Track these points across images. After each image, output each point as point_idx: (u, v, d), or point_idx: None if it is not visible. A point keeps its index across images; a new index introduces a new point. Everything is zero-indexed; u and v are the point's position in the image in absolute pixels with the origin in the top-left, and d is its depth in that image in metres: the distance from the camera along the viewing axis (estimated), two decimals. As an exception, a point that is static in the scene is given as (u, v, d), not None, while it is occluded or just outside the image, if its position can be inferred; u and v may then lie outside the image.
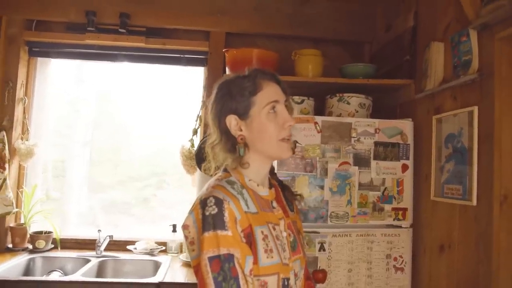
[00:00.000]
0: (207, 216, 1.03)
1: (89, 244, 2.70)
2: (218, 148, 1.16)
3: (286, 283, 1.13)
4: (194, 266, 1.09)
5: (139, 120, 3.24)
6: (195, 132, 2.71)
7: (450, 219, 1.90)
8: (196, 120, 2.74)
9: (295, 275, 1.18)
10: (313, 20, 2.82)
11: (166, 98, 3.10)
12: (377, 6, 2.83)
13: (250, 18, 2.76)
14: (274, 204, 1.21)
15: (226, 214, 1.04)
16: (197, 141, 2.69)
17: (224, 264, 1.01)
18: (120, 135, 3.36)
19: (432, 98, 2.09)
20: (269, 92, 1.15)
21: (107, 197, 3.26)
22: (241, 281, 1.01)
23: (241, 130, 1.15)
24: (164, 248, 2.75)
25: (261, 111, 1.14)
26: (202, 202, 1.06)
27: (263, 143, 1.15)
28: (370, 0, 2.81)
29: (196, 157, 2.34)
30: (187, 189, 2.98)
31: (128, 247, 2.71)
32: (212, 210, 1.04)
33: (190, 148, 2.64)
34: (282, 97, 1.18)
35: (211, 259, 1.01)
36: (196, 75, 2.92)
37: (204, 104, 2.73)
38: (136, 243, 2.73)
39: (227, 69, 2.45)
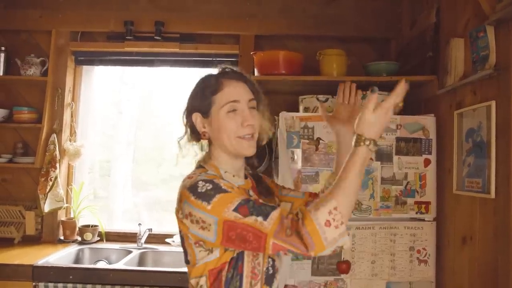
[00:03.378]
0: (203, 192, 1.08)
1: (131, 237, 2.93)
2: (188, 143, 1.28)
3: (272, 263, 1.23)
4: (222, 238, 1.08)
5: (179, 120, 3.43)
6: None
7: (471, 212, 1.94)
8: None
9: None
10: (338, 19, 2.88)
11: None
12: (402, 2, 2.86)
13: (277, 21, 2.87)
14: (251, 192, 1.29)
15: (222, 183, 1.10)
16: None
17: (248, 204, 1.06)
18: (162, 135, 3.56)
19: (454, 94, 2.12)
20: (230, 92, 1.20)
21: (151, 195, 3.48)
22: (269, 207, 1.07)
23: (204, 127, 1.24)
24: (200, 241, 2.92)
25: (220, 111, 1.19)
26: (191, 188, 1.10)
27: (223, 140, 1.20)
28: (396, -3, 2.84)
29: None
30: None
31: (167, 240, 2.91)
32: (205, 187, 1.09)
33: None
34: (247, 96, 1.22)
35: (235, 210, 1.04)
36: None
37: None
38: (174, 236, 2.92)
39: (255, 70, 2.58)
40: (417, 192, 2.19)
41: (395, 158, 2.20)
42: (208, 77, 1.26)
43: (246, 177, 1.32)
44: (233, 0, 2.88)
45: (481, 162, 1.85)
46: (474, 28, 1.92)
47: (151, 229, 2.88)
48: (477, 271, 1.89)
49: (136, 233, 2.87)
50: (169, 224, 3.24)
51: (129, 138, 3.43)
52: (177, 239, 2.88)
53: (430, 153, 2.21)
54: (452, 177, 2.09)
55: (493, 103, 1.78)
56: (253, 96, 1.25)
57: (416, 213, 2.18)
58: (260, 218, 1.03)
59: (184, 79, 3.25)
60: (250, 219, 1.03)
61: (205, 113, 1.23)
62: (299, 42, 2.91)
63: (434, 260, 2.18)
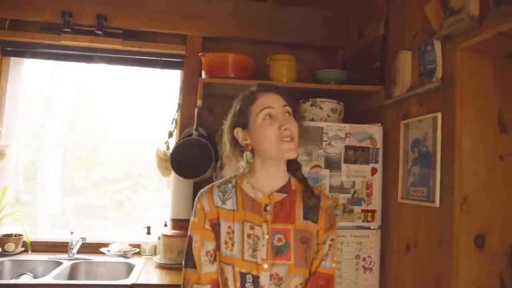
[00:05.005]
0: (194, 205, 1.34)
1: (61, 247, 2.68)
2: (232, 157, 1.35)
3: (253, 280, 1.24)
4: None
5: (115, 121, 3.24)
6: (170, 134, 2.73)
7: (415, 220, 1.98)
8: (172, 123, 2.76)
9: (275, 278, 1.24)
10: (289, 26, 2.88)
11: (143, 100, 3.11)
12: (351, 13, 2.92)
13: (227, 23, 2.80)
14: (268, 208, 1.29)
15: (198, 205, 1.32)
16: (172, 143, 2.71)
17: (190, 242, 1.31)
18: (95, 136, 3.34)
19: (400, 104, 2.17)
20: (263, 101, 1.28)
21: (81, 200, 3.24)
22: (196, 258, 1.28)
23: (246, 139, 1.31)
24: (138, 250, 2.75)
25: (257, 119, 1.26)
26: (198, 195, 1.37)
27: (264, 146, 1.27)
28: (345, 8, 2.89)
29: (171, 159, 2.36)
30: (162, 192, 2.99)
31: (102, 249, 2.70)
32: (195, 203, 1.34)
33: (166, 151, 2.66)
34: (280, 103, 1.28)
35: (187, 237, 1.33)
36: (172, 77, 2.95)
37: (180, 107, 2.75)
38: (109, 246, 2.73)
39: (203, 73, 2.48)
40: (364, 200, 2.21)
41: (344, 166, 2.21)
42: (244, 94, 1.35)
43: (286, 192, 1.32)
44: (182, -2, 2.77)
45: (426, 171, 1.91)
46: (421, 42, 1.99)
47: (85, 238, 2.66)
48: (420, 278, 1.94)
49: (66, 243, 2.63)
50: (102, 232, 3.04)
51: (59, 138, 3.18)
52: (113, 248, 2.69)
53: (377, 162, 2.25)
54: (397, 186, 2.14)
55: (439, 115, 1.84)
56: (286, 102, 1.30)
57: (363, 221, 2.20)
58: (183, 262, 1.33)
59: (125, 78, 3.07)
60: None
61: (245, 126, 1.30)
62: (248, 46, 2.86)
63: (378, 268, 2.21)
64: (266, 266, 1.25)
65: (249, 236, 1.25)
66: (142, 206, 3.25)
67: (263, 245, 1.25)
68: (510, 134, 1.77)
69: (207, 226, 1.29)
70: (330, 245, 1.33)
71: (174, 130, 2.75)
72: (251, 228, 1.26)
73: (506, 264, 1.72)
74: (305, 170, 2.15)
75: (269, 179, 1.31)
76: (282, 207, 1.30)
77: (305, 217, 1.31)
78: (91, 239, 2.73)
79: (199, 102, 2.39)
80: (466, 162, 1.72)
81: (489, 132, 1.75)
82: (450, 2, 1.76)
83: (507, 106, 1.77)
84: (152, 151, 2.73)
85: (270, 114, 1.26)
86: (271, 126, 1.24)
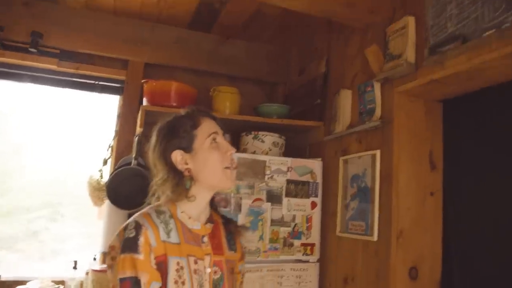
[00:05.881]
0: (126, 238, 1.11)
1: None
2: (167, 184, 1.21)
3: None
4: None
5: (36, 145, 3.02)
6: (105, 162, 2.59)
7: (353, 253, 2.04)
8: (108, 150, 2.62)
9: None
10: (231, 58, 2.92)
11: (73, 123, 2.95)
12: (292, 50, 3.03)
13: (171, 51, 2.77)
14: (205, 239, 1.25)
15: (142, 239, 1.11)
16: (106, 171, 2.57)
17: (132, 286, 1.08)
18: (9, 161, 3.08)
19: (340, 140, 2.26)
20: (208, 126, 1.26)
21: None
22: None
23: (186, 163, 1.22)
24: (62, 287, 2.52)
25: (204, 143, 1.23)
26: (126, 226, 1.15)
27: (208, 172, 1.22)
28: (287, 44, 3.00)
29: (107, 188, 2.24)
30: (85, 221, 2.81)
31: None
32: (130, 233, 1.12)
33: (99, 179, 2.51)
34: (219, 129, 1.29)
35: (122, 280, 1.09)
36: (109, 103, 2.83)
37: (117, 134, 2.64)
38: (28, 283, 2.46)
39: (144, 100, 2.42)
40: (304, 234, 2.24)
41: (285, 200, 2.23)
42: (178, 117, 1.28)
43: (211, 222, 1.29)
44: (125, 22, 2.69)
45: (365, 206, 1.98)
46: (361, 82, 2.11)
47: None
48: (358, 312, 1.98)
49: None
50: (17, 267, 2.75)
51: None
52: (32, 286, 2.44)
53: (316, 196, 2.30)
54: (336, 219, 2.19)
55: (378, 152, 1.94)
56: (222, 130, 1.31)
57: (302, 254, 2.22)
58: None
59: (52, 99, 2.88)
60: None
61: (187, 148, 1.23)
62: (190, 76, 2.84)
63: (316, 302, 2.23)
64: None
65: (195, 271, 1.18)
66: (61, 237, 3.02)
67: (205, 279, 1.20)
68: (439, 172, 1.91)
69: (153, 264, 1.12)
70: (243, 274, 1.38)
71: (109, 157, 2.62)
72: (195, 262, 1.19)
73: (437, 296, 1.82)
74: (247, 203, 2.15)
75: (202, 209, 1.27)
76: (213, 238, 1.28)
77: (229, 247, 1.32)
78: (5, 276, 2.45)
79: (139, 130, 2.30)
80: (402, 198, 1.82)
81: (422, 169, 1.88)
82: (389, 48, 1.90)
83: (437, 146, 1.92)
84: (79, 178, 2.56)
85: (216, 139, 1.25)
86: (217, 150, 1.23)
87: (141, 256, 1.10)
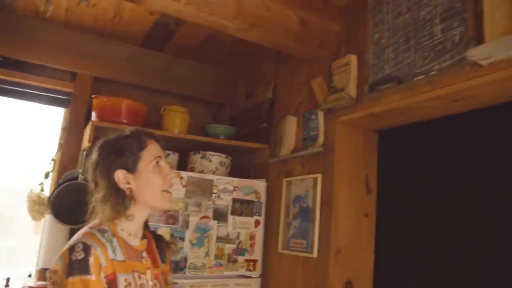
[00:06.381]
0: (73, 261, 1.10)
1: None
2: (108, 202, 1.22)
3: None
4: None
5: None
6: (47, 175, 2.52)
7: (294, 269, 2.17)
8: (50, 163, 2.56)
9: None
10: (181, 78, 2.99)
11: (8, 134, 2.83)
12: (240, 74, 3.17)
13: (121, 67, 2.79)
14: (144, 254, 1.30)
15: (92, 259, 1.12)
16: (48, 185, 2.51)
17: None
18: None
19: (284, 163, 2.41)
20: (153, 149, 1.30)
21: None
22: None
23: (129, 183, 1.25)
24: (-10, 306, 2.39)
25: (148, 165, 1.26)
26: (70, 248, 1.13)
27: (149, 194, 1.26)
28: (235, 68, 3.13)
29: (51, 203, 2.18)
30: (13, 237, 2.69)
31: None
32: (78, 255, 1.11)
33: (40, 193, 2.44)
34: (162, 153, 1.33)
35: None
36: (53, 115, 2.77)
37: (61, 147, 2.59)
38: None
39: (93, 114, 2.41)
40: (247, 250, 2.34)
41: (230, 218, 2.32)
42: (124, 137, 1.29)
43: (145, 237, 1.33)
44: (75, 35, 2.67)
45: (306, 225, 2.14)
46: (306, 110, 2.29)
47: None
48: (297, 325, 2.10)
49: None
50: None
51: None
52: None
53: (260, 214, 2.42)
54: (278, 237, 2.32)
55: (319, 176, 2.11)
56: (164, 152, 1.35)
57: (246, 270, 2.31)
58: None
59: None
60: None
61: (131, 169, 1.25)
62: (139, 93, 2.87)
63: (257, 316, 2.32)
64: None
65: (141, 286, 1.23)
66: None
67: None
68: (373, 195, 2.12)
69: (104, 283, 1.13)
70: (173, 285, 1.45)
71: (51, 171, 2.56)
72: (139, 277, 1.24)
73: (369, 309, 2.00)
74: (195, 220, 2.21)
75: (140, 226, 1.31)
76: (149, 252, 1.34)
77: (161, 260, 1.39)
78: None
79: (87, 145, 2.29)
80: (341, 218, 2.00)
81: (358, 193, 2.08)
82: (333, 81, 2.09)
83: (372, 171, 2.13)
84: (9, 190, 2.48)
85: (159, 163, 1.29)
86: (159, 174, 1.27)
87: (93, 277, 1.10)
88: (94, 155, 1.28)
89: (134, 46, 2.83)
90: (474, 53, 1.39)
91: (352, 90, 1.97)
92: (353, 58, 2.02)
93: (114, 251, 1.19)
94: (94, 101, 2.43)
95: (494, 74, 1.40)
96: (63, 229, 2.33)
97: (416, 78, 1.65)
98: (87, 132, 2.33)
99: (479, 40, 1.44)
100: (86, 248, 1.12)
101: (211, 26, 2.01)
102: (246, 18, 1.92)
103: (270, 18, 1.99)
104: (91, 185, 1.27)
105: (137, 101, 2.51)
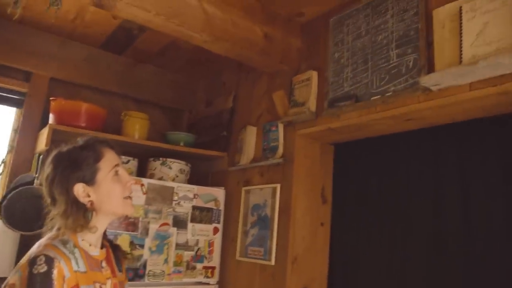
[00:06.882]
0: (35, 274, 1.07)
1: None
2: (69, 217, 1.19)
3: None
4: None
5: None
6: (-4, 178, 2.42)
7: (251, 276, 2.24)
8: (0, 165, 2.46)
9: None
10: (140, 83, 2.97)
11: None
12: (200, 82, 3.20)
13: (80, 69, 2.72)
14: (103, 264, 1.29)
15: (55, 272, 1.09)
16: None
17: None
18: None
19: (243, 172, 2.47)
20: (110, 158, 1.28)
21: None
22: None
23: (89, 196, 1.22)
24: None
25: (107, 175, 1.25)
26: (31, 261, 1.09)
27: (111, 203, 1.25)
28: (195, 76, 3.15)
29: (3, 208, 2.10)
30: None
31: None
32: (41, 268, 1.08)
33: (-12, 196, 2.33)
34: (119, 160, 1.32)
35: None
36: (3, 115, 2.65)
37: (13, 149, 2.49)
38: None
39: (51, 117, 2.34)
40: (206, 257, 2.38)
41: (190, 225, 2.35)
42: (78, 148, 1.26)
43: (103, 247, 1.31)
44: (32, 33, 2.58)
45: (264, 233, 2.21)
46: (267, 121, 2.37)
47: None
48: (253, 330, 2.16)
49: None
50: None
51: None
52: None
53: (219, 222, 2.46)
54: (236, 245, 2.38)
55: (278, 186, 2.19)
56: (120, 159, 1.33)
57: (204, 277, 2.35)
58: None
59: None
60: None
61: (90, 181, 1.22)
62: (96, 95, 2.82)
63: (213, 323, 2.36)
64: None
65: None
66: None
67: None
68: (329, 205, 2.23)
69: None
70: None
71: (1, 172, 2.45)
72: (100, 287, 1.25)
73: (322, 313, 2.10)
74: (154, 227, 2.22)
75: (100, 236, 1.29)
76: (108, 262, 1.34)
77: (118, 269, 1.40)
78: None
79: (44, 149, 2.23)
80: (298, 227, 2.09)
81: (315, 203, 2.18)
82: (294, 95, 2.18)
83: (327, 183, 2.24)
84: None
85: (118, 172, 1.27)
86: (119, 183, 1.26)
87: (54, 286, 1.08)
88: (48, 169, 1.23)
89: (93, 48, 2.78)
90: (426, 80, 1.52)
91: (312, 105, 2.07)
92: (314, 74, 2.12)
93: (77, 262, 1.17)
94: (52, 103, 2.36)
95: (442, 99, 1.55)
96: (13, 235, 2.25)
97: (373, 98, 1.78)
98: (44, 135, 2.27)
99: (430, 67, 1.59)
100: (49, 261, 1.10)
101: (178, 36, 2.04)
102: (213, 31, 1.97)
103: (236, 32, 2.05)
104: (48, 199, 1.23)
105: (94, 103, 2.47)
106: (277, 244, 2.12)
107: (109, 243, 1.40)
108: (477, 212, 1.65)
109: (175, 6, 1.86)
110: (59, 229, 1.21)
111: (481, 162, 1.68)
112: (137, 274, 2.12)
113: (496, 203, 1.60)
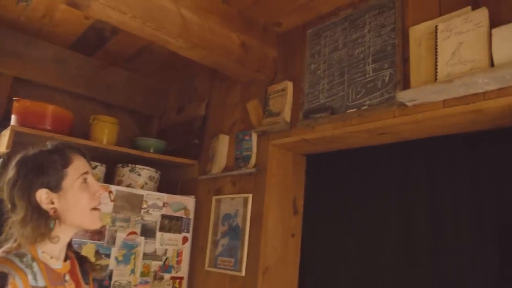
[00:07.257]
0: None
1: None
2: (28, 225, 1.11)
3: None
4: None
5: None
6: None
7: (221, 287, 2.19)
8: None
9: None
10: (110, 86, 2.89)
11: None
12: (172, 87, 3.14)
13: (46, 69, 2.61)
14: (67, 277, 1.22)
15: (8, 283, 1.02)
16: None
17: None
18: None
19: (214, 181, 2.44)
20: (80, 165, 1.20)
21: None
22: None
23: (52, 203, 1.15)
24: None
25: (74, 183, 1.17)
26: None
27: (76, 213, 1.17)
28: (167, 81, 3.09)
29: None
30: None
31: None
32: None
33: None
34: (89, 168, 1.25)
35: None
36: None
37: (-30, 151, 2.34)
38: None
39: (13, 118, 2.23)
40: (174, 267, 2.31)
41: (158, 234, 2.29)
42: (46, 152, 1.18)
43: (68, 259, 1.23)
44: (-4, 33, 2.47)
45: (235, 244, 2.18)
46: (240, 130, 2.34)
47: None
48: None
49: None
50: None
51: None
52: None
53: (188, 231, 2.41)
54: (205, 255, 2.33)
55: (250, 196, 2.17)
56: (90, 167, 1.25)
57: (171, 288, 2.29)
58: None
59: None
60: None
61: (55, 187, 1.15)
62: (64, 97, 2.72)
63: (179, 335, 2.30)
64: None
65: None
66: None
67: None
68: (300, 216, 2.23)
69: None
70: None
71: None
72: None
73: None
74: (122, 236, 2.14)
75: (63, 247, 1.23)
76: (72, 275, 1.27)
77: (85, 282, 1.32)
78: None
79: (3, 151, 2.11)
80: (270, 238, 2.07)
81: (287, 214, 2.17)
82: (269, 105, 2.18)
83: (299, 193, 2.24)
84: None
85: (86, 179, 1.21)
86: (87, 191, 1.20)
87: None
88: (11, 173, 1.15)
89: (62, 48, 2.68)
90: (403, 95, 1.55)
91: (287, 115, 2.07)
92: (290, 85, 2.12)
93: (35, 277, 1.08)
94: (15, 104, 2.25)
95: (417, 115, 1.58)
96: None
97: (348, 111, 1.80)
98: (5, 137, 2.15)
99: (406, 82, 1.62)
100: (3, 277, 1.02)
101: (154, 40, 1.99)
102: (190, 37, 1.94)
103: (213, 39, 2.02)
104: (7, 205, 1.15)
105: (61, 105, 2.38)
106: (248, 255, 2.09)
107: (74, 255, 1.31)
108: (446, 223, 1.69)
109: (152, 10, 1.81)
110: (15, 240, 1.12)
111: (449, 176, 1.72)
112: (102, 285, 2.04)
113: (463, 214, 1.65)
